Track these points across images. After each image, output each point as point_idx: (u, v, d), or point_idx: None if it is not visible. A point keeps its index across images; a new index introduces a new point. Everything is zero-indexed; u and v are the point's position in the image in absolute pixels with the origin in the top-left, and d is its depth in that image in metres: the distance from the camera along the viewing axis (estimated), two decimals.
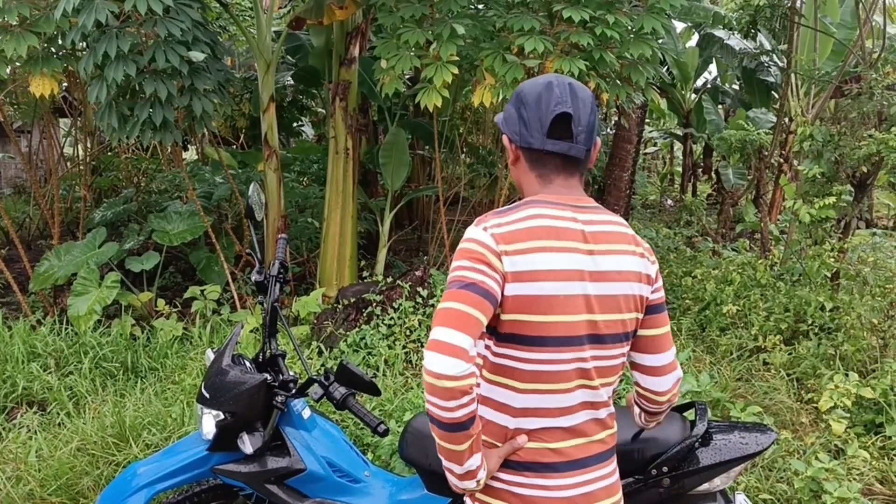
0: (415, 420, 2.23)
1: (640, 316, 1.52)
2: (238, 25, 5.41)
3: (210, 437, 2.15)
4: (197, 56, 4.34)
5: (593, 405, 1.49)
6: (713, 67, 10.29)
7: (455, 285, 1.37)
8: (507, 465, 1.47)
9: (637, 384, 1.63)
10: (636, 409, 1.74)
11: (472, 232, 1.44)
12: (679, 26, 10.15)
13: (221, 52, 4.81)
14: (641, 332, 1.54)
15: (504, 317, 1.40)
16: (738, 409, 3.17)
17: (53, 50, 4.43)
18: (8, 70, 4.18)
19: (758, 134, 5.76)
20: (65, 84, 6.25)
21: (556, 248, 1.41)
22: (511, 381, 1.45)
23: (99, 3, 3.84)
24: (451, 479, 1.44)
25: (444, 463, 1.42)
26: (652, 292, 1.53)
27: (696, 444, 1.98)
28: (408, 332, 4.25)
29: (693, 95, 10.00)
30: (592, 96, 1.51)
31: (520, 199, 1.55)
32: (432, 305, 4.39)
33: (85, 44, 4.19)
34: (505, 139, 1.53)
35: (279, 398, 2.14)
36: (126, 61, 3.96)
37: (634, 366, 1.60)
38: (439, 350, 1.31)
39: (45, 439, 3.15)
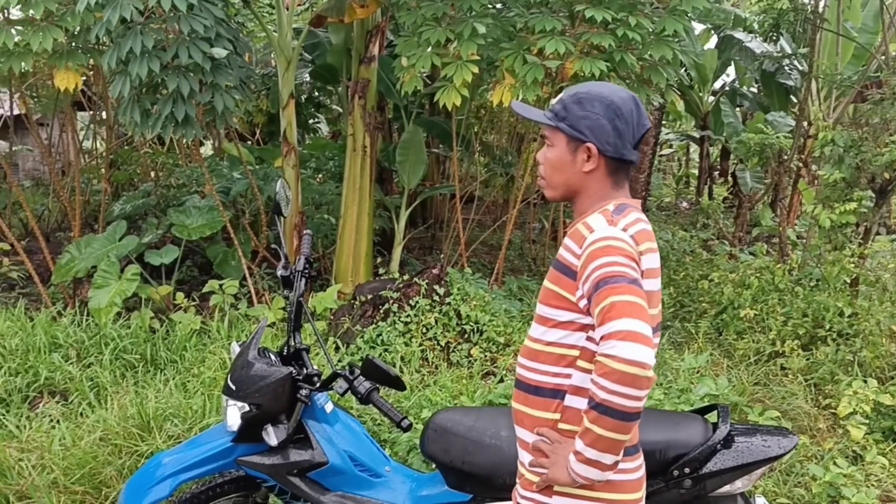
0: (437, 416, 2.24)
1: None
2: (260, 22, 5.44)
3: (235, 428, 2.18)
4: (219, 52, 4.37)
5: None
6: (731, 70, 10.22)
7: (623, 280, 1.41)
8: None
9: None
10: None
11: (612, 231, 1.49)
12: (698, 28, 10.10)
13: (243, 49, 4.84)
14: None
15: None
16: (755, 413, 3.16)
17: (77, 44, 4.48)
18: (30, 63, 4.25)
19: (777, 138, 5.72)
20: (84, 77, 6.30)
21: (652, 248, 1.56)
22: None
23: None
24: (593, 474, 1.43)
25: (595, 456, 1.41)
26: None
27: (719, 446, 1.99)
28: (424, 330, 4.27)
29: (711, 98, 9.95)
30: None
31: (570, 201, 1.64)
32: (448, 304, 4.41)
33: (109, 39, 4.23)
34: (592, 148, 1.55)
35: (303, 391, 2.16)
36: (150, 57, 4.00)
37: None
38: (638, 341, 1.34)
39: (68, 429, 3.19)
